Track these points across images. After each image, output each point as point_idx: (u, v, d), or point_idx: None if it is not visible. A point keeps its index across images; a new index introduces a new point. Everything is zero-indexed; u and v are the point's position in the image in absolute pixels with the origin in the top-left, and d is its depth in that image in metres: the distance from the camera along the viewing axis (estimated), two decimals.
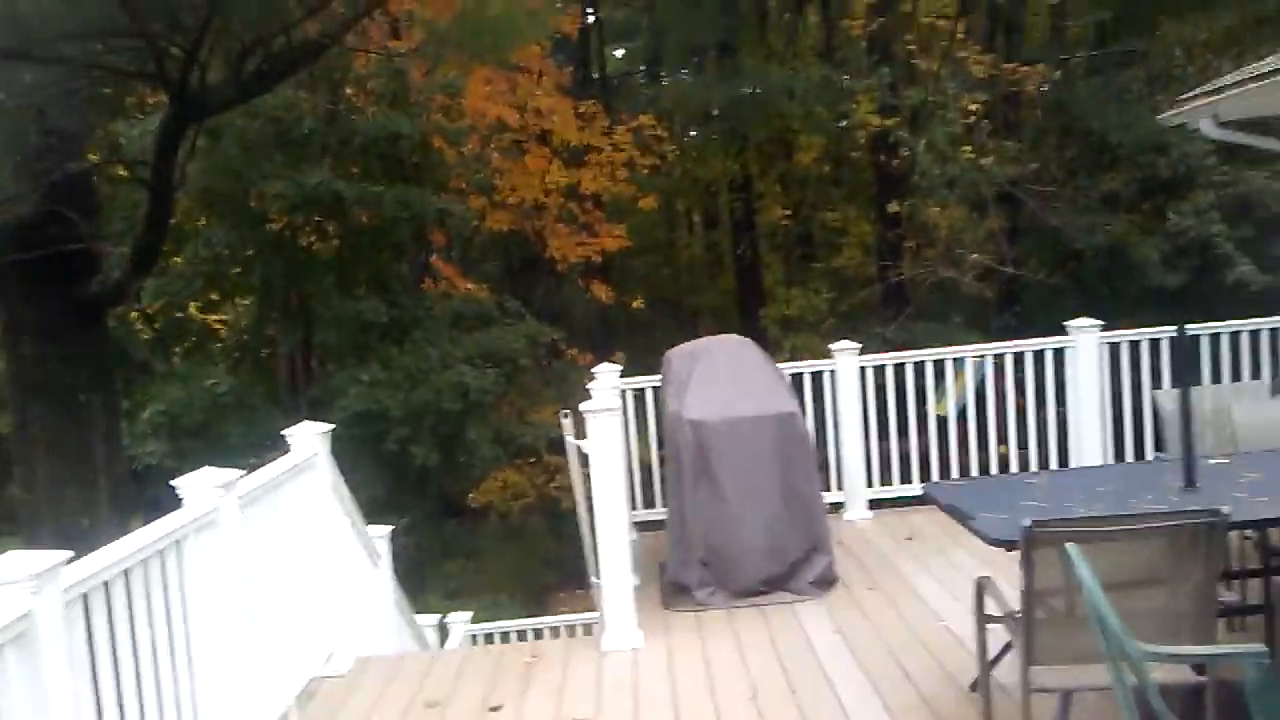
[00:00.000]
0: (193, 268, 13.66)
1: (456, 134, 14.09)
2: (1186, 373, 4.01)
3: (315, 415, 6.12)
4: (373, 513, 7.22)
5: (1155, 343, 6.84)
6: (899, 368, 7.11)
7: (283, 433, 4.98)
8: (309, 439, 4.92)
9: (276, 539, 4.44)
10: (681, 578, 5.59)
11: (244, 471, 4.05)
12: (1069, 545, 2.65)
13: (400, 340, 13.76)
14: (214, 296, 15.87)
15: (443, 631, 8.43)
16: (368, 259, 14.61)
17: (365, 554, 5.85)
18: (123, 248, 8.78)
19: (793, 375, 6.63)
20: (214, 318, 17.03)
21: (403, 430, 12.83)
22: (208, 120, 8.58)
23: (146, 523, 3.46)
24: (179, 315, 15.53)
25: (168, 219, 7.95)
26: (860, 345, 7.14)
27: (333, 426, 5.18)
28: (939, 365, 7.10)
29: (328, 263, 14.59)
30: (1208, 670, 3.13)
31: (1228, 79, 7.05)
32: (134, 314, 14.61)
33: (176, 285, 13.53)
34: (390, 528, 6.50)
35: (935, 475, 7.05)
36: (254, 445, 11.81)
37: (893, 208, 17.17)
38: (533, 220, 16.10)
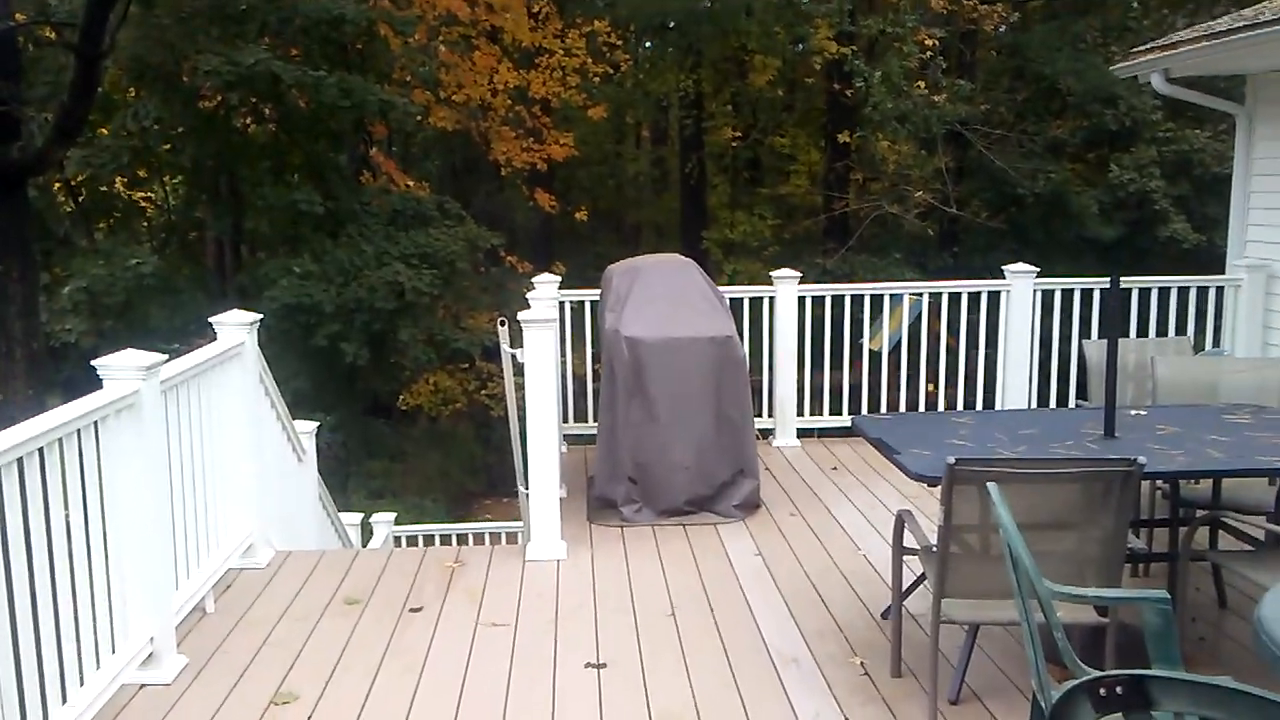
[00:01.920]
0: (120, 141, 13.15)
1: (404, 23, 13.64)
2: (1115, 324, 4.08)
3: (243, 304, 5.97)
4: (299, 408, 7.14)
5: (1087, 292, 6.97)
6: (837, 299, 7.15)
7: (209, 320, 4.85)
8: (236, 328, 4.80)
9: (199, 427, 4.36)
10: (608, 493, 5.64)
11: (168, 356, 3.95)
12: (990, 484, 2.70)
13: (335, 233, 13.48)
14: (141, 173, 15.36)
15: (366, 531, 8.42)
16: (304, 146, 14.21)
17: (290, 448, 5.79)
18: (46, 114, 8.40)
19: (732, 299, 6.63)
20: (140, 194, 16.49)
21: (333, 326, 12.65)
22: None
23: (64, 402, 3.36)
24: (104, 190, 15.00)
25: (95, 87, 7.62)
26: (800, 274, 7.17)
27: (261, 317, 5.06)
28: (876, 300, 7.16)
29: (263, 147, 14.17)
30: (1110, 613, 3.25)
31: (1181, 34, 7.11)
32: (56, 185, 14.07)
33: (102, 158, 13.02)
34: (316, 424, 6.42)
35: (864, 409, 7.17)
36: (178, 330, 11.59)
37: (843, 138, 17.15)
38: (478, 121, 15.75)
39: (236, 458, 4.76)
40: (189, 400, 4.25)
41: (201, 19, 12.45)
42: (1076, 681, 1.87)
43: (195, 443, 4.32)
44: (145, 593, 3.69)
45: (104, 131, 13.65)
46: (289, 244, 13.69)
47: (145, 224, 16.66)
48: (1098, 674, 1.85)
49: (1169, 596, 2.56)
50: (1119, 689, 1.79)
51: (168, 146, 13.97)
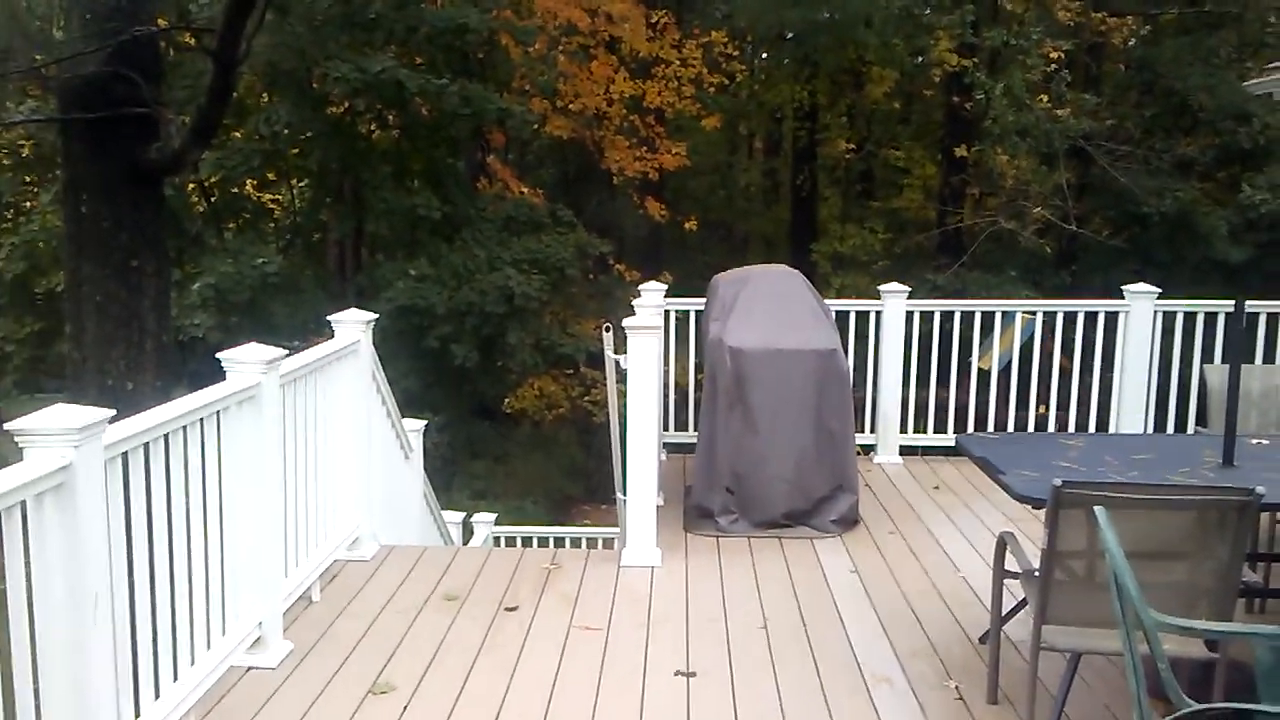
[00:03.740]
0: (252, 145, 13.72)
1: (525, 32, 13.91)
2: (1239, 349, 3.92)
3: (361, 304, 6.17)
4: (408, 407, 7.32)
5: (1211, 316, 6.70)
6: (946, 315, 7.03)
7: (328, 318, 5.03)
8: (353, 326, 4.97)
9: (313, 420, 4.52)
10: (705, 502, 5.64)
11: (287, 351, 4.10)
12: (1098, 509, 2.63)
13: (450, 237, 13.81)
14: (270, 176, 15.95)
15: (467, 530, 8.59)
16: (425, 152, 14.59)
17: (398, 445, 5.95)
18: (184, 116, 8.81)
19: (838, 312, 6.58)
20: (269, 196, 17.14)
21: (445, 328, 12.95)
22: None
23: (190, 393, 3.52)
24: (235, 191, 15.65)
25: (230, 91, 7.94)
26: (910, 289, 7.06)
27: (376, 316, 5.22)
28: (988, 317, 7.00)
29: (385, 152, 14.59)
30: (1220, 647, 3.13)
31: None
32: (191, 185, 14.73)
33: (235, 160, 13.61)
34: (424, 423, 6.59)
35: (971, 428, 7.01)
36: (298, 327, 12.01)
37: (960, 152, 16.82)
38: (593, 130, 15.94)
39: (347, 452, 4.92)
40: (306, 394, 4.41)
41: (332, 26, 12.91)
42: (1180, 714, 1.81)
43: (309, 435, 4.48)
44: (256, 579, 3.84)
45: (238, 135, 14.26)
46: (406, 247, 14.09)
47: (272, 225, 17.32)
48: (1202, 706, 1.79)
49: None
50: None
51: (296, 151, 14.53)
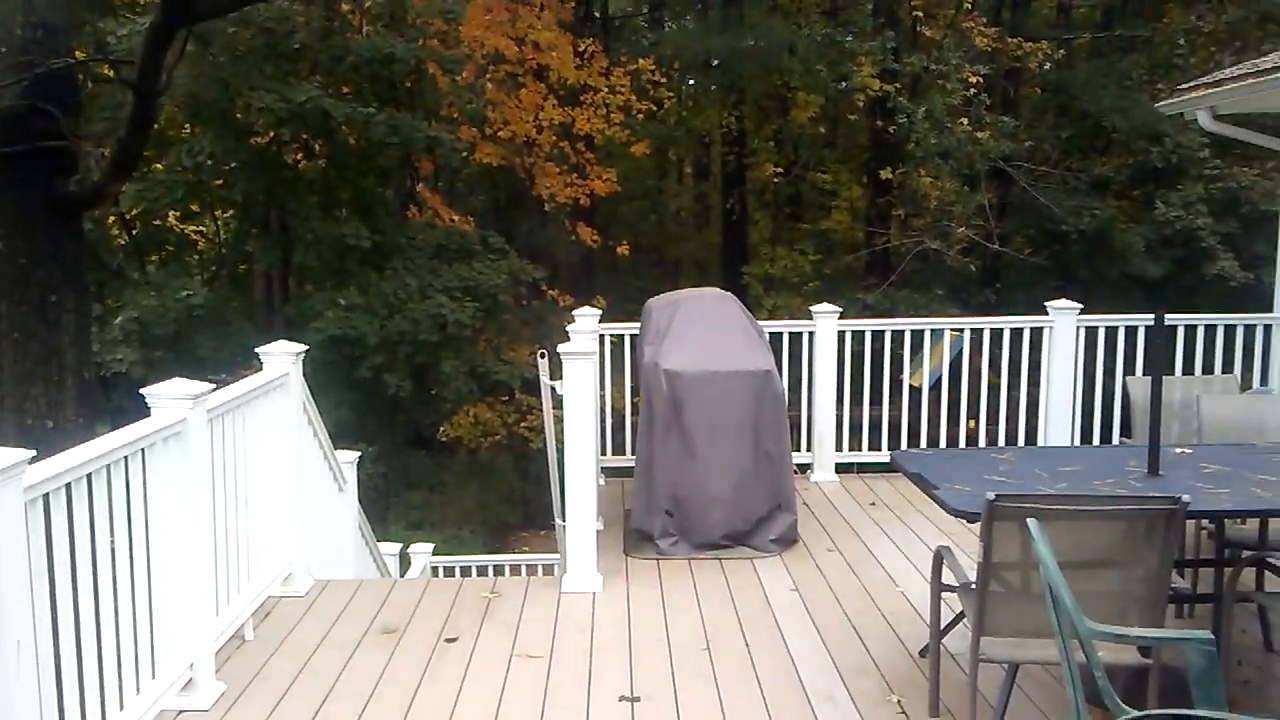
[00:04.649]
0: (174, 176, 13.47)
1: (452, 62, 13.87)
2: (1159, 361, 4.03)
3: (290, 335, 6.07)
4: (342, 438, 7.21)
5: (1132, 330, 6.90)
6: (877, 335, 7.13)
7: (256, 350, 4.94)
8: (282, 358, 4.88)
9: (243, 455, 4.43)
10: (645, 526, 5.63)
11: (214, 385, 4.02)
12: (1030, 521, 2.68)
13: (380, 267, 13.66)
14: (194, 207, 15.67)
15: (404, 561, 8.47)
16: (353, 182, 14.45)
17: (331, 478, 5.85)
18: (104, 149, 8.62)
19: (771, 334, 6.63)
20: (192, 228, 16.82)
21: (377, 358, 12.80)
22: (198, 25, 8.39)
23: (113, 430, 3.43)
24: (157, 223, 15.33)
25: (151, 123, 7.80)
26: (841, 309, 7.15)
27: (306, 348, 5.14)
28: (917, 335, 7.12)
29: (312, 182, 14.42)
30: (1153, 654, 3.19)
31: (1228, 72, 7.04)
32: (111, 218, 14.41)
33: (156, 192, 13.34)
34: (358, 454, 6.49)
35: (904, 445, 7.10)
36: (225, 360, 11.78)
37: (885, 174, 17.13)
38: (523, 157, 15.92)
39: (278, 486, 4.82)
40: (234, 429, 4.32)
41: (256, 56, 12.76)
42: None
43: (239, 471, 4.38)
44: (186, 619, 3.74)
45: (159, 167, 13.98)
46: (336, 277, 13.90)
47: (196, 257, 16.99)
48: (1139, 714, 1.82)
49: (1213, 637, 2.51)
50: None
51: (220, 182, 14.28)
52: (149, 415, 3.60)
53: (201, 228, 16.98)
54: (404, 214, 15.47)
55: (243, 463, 4.42)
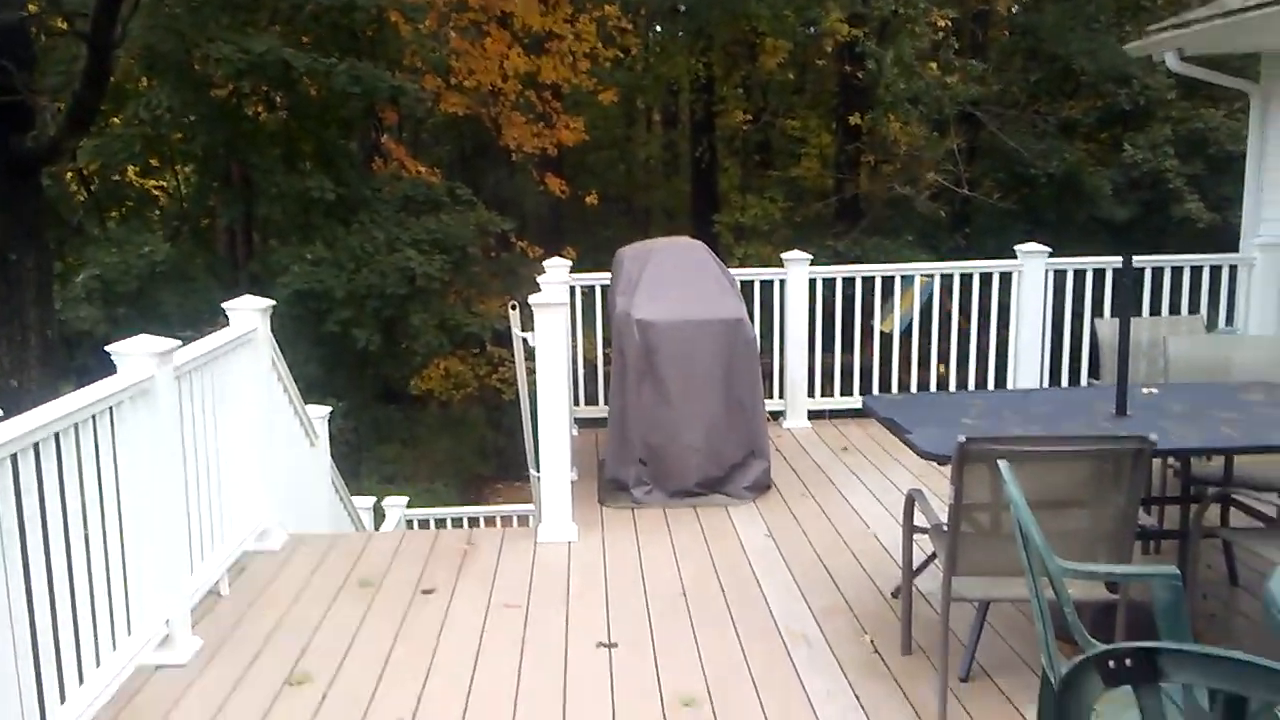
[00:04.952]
0: (132, 130, 13.17)
1: (414, 10, 13.60)
2: (1127, 303, 4.07)
3: (256, 291, 6.00)
4: (311, 394, 7.16)
5: (1100, 272, 6.95)
6: (848, 281, 7.14)
7: (223, 305, 4.88)
8: (249, 313, 4.83)
9: (212, 412, 4.39)
10: (619, 475, 5.65)
11: (181, 342, 3.97)
12: (1001, 462, 2.70)
13: (346, 220, 13.48)
14: (153, 162, 15.38)
15: (378, 515, 8.46)
16: (315, 133, 14.20)
17: (303, 433, 5.82)
18: (59, 103, 8.42)
19: (743, 282, 6.62)
20: (153, 183, 16.52)
21: (345, 312, 12.67)
22: None
23: (78, 389, 3.38)
24: (116, 178, 15.04)
25: (107, 76, 7.62)
26: (811, 256, 7.15)
27: (273, 303, 5.08)
28: (888, 281, 7.14)
29: (273, 135, 14.16)
30: (1121, 589, 3.25)
31: (1196, 13, 7.03)
32: (69, 174, 14.11)
33: (115, 147, 13.05)
34: (328, 409, 6.45)
35: (876, 390, 7.15)
36: (190, 316, 11.63)
37: (854, 120, 17.06)
38: (488, 106, 15.71)
39: (249, 442, 4.79)
40: (202, 386, 4.28)
41: (212, 7, 12.45)
42: (1086, 655, 1.87)
43: (208, 427, 4.35)
44: (160, 576, 3.72)
45: (116, 121, 13.68)
46: (301, 231, 13.70)
47: (158, 212, 16.69)
48: (1107, 647, 1.85)
49: (1179, 573, 2.55)
50: (1128, 661, 1.79)
51: (179, 135, 13.99)
52: (114, 373, 3.55)
53: (162, 183, 16.67)
54: (369, 166, 15.25)
55: (212, 419, 4.39)
